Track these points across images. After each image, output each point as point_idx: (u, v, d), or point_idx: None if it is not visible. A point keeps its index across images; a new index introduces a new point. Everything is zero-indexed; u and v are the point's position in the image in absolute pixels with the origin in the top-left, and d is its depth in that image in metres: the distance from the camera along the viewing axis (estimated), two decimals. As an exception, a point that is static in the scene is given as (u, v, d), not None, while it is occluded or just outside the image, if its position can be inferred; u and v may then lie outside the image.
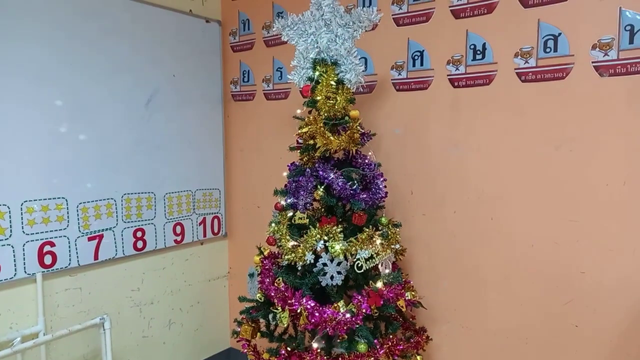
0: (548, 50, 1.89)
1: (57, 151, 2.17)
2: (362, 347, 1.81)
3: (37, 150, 2.11)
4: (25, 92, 2.06)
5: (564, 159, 1.90)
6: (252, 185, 2.97)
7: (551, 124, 1.92)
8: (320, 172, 1.97)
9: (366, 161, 2.07)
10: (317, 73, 1.97)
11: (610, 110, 1.79)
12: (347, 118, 1.99)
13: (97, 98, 2.31)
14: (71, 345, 2.28)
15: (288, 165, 2.13)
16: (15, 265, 2.05)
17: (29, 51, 2.06)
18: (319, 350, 1.89)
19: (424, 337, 2.08)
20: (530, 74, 1.94)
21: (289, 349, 1.92)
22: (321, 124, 1.93)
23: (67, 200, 2.22)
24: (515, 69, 1.98)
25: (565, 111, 1.88)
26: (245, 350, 2.06)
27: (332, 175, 1.96)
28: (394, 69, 2.31)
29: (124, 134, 2.44)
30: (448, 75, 2.15)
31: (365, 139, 2.08)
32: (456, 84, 2.13)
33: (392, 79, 2.32)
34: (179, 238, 2.77)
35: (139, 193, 2.53)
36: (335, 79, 1.96)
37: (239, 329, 2.10)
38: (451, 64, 2.14)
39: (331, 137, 1.93)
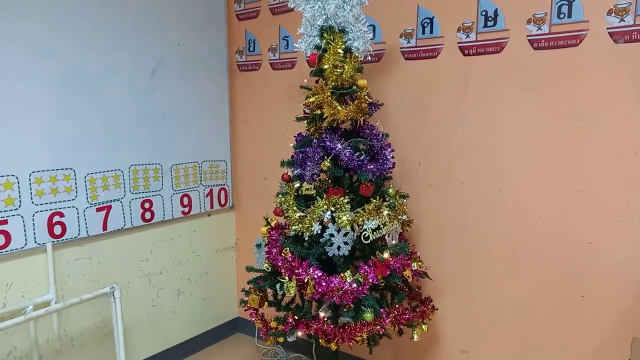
0: (562, 16, 1.84)
1: (62, 123, 2.17)
2: (368, 315, 1.83)
3: (43, 122, 2.10)
4: (30, 65, 2.04)
5: (575, 129, 1.87)
6: (258, 156, 2.96)
7: (562, 94, 1.88)
8: (328, 143, 1.96)
9: (374, 132, 2.05)
10: (324, 41, 1.94)
11: (625, 79, 1.75)
12: (354, 87, 1.96)
13: (101, 70, 2.28)
14: (82, 314, 2.32)
15: (295, 136, 2.11)
16: (25, 235, 2.08)
17: (32, 24, 2.03)
18: (325, 319, 1.91)
19: (429, 307, 2.10)
20: (543, 41, 1.89)
21: (296, 317, 1.94)
22: (328, 94, 1.90)
23: (74, 171, 2.22)
24: (527, 36, 1.92)
25: (578, 80, 1.84)
26: (253, 319, 2.09)
27: (339, 146, 1.94)
28: (403, 37, 2.26)
29: (129, 104, 2.42)
30: (458, 43, 2.10)
31: (373, 109, 2.05)
32: (466, 52, 2.08)
33: (400, 47, 2.27)
34: (186, 209, 2.78)
35: (145, 164, 2.53)
36: (343, 47, 1.92)
37: (247, 299, 2.13)
38: (462, 31, 2.08)
39: (338, 107, 1.91)
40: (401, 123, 2.31)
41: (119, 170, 2.41)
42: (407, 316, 1.95)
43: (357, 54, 1.95)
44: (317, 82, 2.03)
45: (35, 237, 2.11)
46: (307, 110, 2.05)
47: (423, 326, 2.03)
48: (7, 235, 2.02)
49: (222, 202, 3.01)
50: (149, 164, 2.55)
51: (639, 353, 1.41)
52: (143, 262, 2.60)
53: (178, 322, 2.82)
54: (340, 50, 1.92)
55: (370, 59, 2.33)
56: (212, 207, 2.94)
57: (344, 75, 1.91)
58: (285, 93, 2.75)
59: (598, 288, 1.88)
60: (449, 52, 2.13)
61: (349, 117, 1.94)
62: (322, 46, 1.96)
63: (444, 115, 2.19)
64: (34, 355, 2.11)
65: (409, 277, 1.94)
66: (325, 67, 1.93)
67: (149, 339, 2.66)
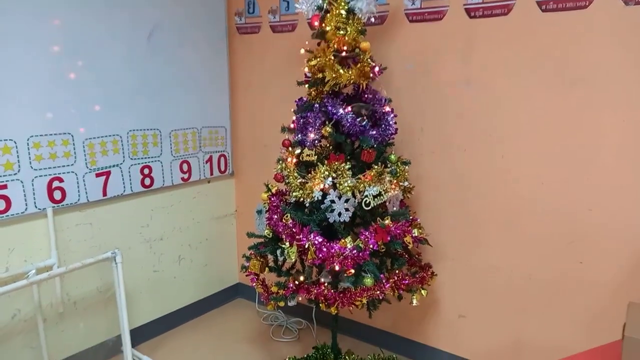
0: (573, -24, 1.77)
1: (59, 87, 2.13)
2: (368, 281, 1.84)
3: (40, 86, 2.06)
4: (26, 28, 1.99)
5: (581, 95, 1.83)
6: (258, 122, 2.93)
7: (570, 57, 1.84)
8: (329, 108, 1.92)
9: (376, 96, 2.01)
10: (326, 2, 1.88)
11: (634, 43, 1.70)
12: (357, 50, 1.92)
13: (96, 28, 2.22)
14: (85, 279, 2.34)
15: (296, 101, 2.08)
16: (25, 200, 2.07)
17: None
18: (326, 285, 1.92)
19: (429, 273, 2.11)
20: (552, 2, 1.83)
21: (296, 282, 1.96)
22: (330, 57, 1.86)
23: (72, 136, 2.20)
24: (536, -3, 1.87)
25: (586, 44, 1.80)
26: (254, 284, 2.11)
27: (341, 111, 1.91)
28: (407, -1, 2.19)
29: (126, 68, 2.37)
30: (464, 5, 2.04)
31: (375, 73, 2.01)
32: (472, 14, 2.02)
33: (405, 9, 2.21)
34: (186, 176, 2.77)
35: (144, 130, 2.50)
36: (346, 7, 1.86)
37: (248, 264, 2.14)
38: (468, -7, 2.02)
39: (341, 71, 1.87)
40: (404, 88, 2.27)
41: (118, 135, 2.38)
42: (406, 281, 1.96)
43: (360, 16, 1.90)
44: (318, 44, 1.98)
45: (35, 202, 2.10)
46: (308, 74, 2.00)
47: (422, 291, 2.04)
48: (7, 200, 2.01)
49: (222, 168, 2.99)
50: (148, 130, 2.52)
51: (634, 317, 1.42)
52: (144, 228, 2.60)
53: (179, 288, 2.85)
54: (342, 12, 1.86)
55: (373, 21, 2.25)
56: (211, 173, 2.93)
57: (346, 38, 1.87)
58: (286, 57, 2.69)
59: (597, 254, 1.89)
60: (454, 15, 2.07)
61: (351, 81, 1.91)
62: (324, 7, 1.90)
63: (448, 80, 2.15)
64: (38, 318, 2.14)
65: (409, 243, 1.94)
66: (328, 29, 1.89)
67: (151, 303, 2.70)
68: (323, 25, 1.90)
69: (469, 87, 2.09)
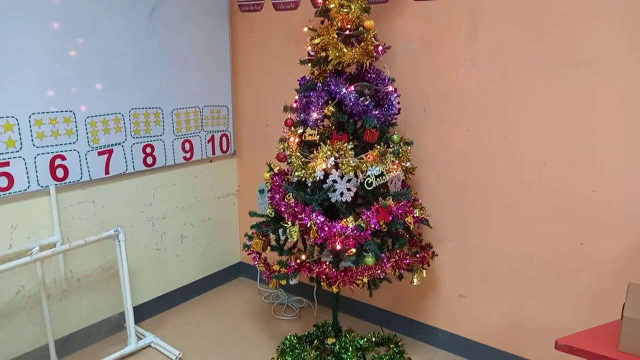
0: (582, -46, 1.74)
1: (60, 64, 2.11)
2: (369, 260, 1.86)
3: (41, 63, 2.05)
4: (25, 5, 1.96)
5: (586, 76, 1.82)
6: (260, 102, 2.91)
7: (577, 38, 1.81)
8: (332, 87, 1.91)
9: (380, 76, 2.00)
10: (330, -21, 1.85)
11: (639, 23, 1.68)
12: (361, 29, 1.90)
13: (97, 5, 2.20)
14: (88, 256, 2.36)
15: (298, 80, 2.06)
16: (28, 178, 2.07)
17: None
18: (327, 263, 1.94)
19: (429, 253, 2.12)
20: (560, -19, 1.80)
21: (298, 261, 1.97)
22: (334, 35, 1.84)
23: (74, 114, 2.19)
24: (543, -25, 1.83)
25: (592, 25, 1.77)
26: (256, 263, 2.13)
27: (344, 90, 1.90)
28: (412, -23, 2.15)
29: (126, 45, 2.35)
30: (470, -16, 2.01)
31: (379, 52, 1.99)
32: (478, -7, 1.99)
33: (409, -12, 2.17)
34: (188, 155, 2.76)
35: (146, 108, 2.49)
36: (350, -15, 1.83)
37: (250, 243, 2.16)
38: (474, -29, 1.98)
39: (344, 49, 1.85)
40: (408, 68, 2.25)
41: (120, 113, 2.37)
42: (407, 261, 1.98)
43: (364, -7, 1.87)
44: (322, 23, 1.96)
45: (38, 180, 2.11)
46: (311, 53, 1.98)
47: (423, 271, 2.06)
48: (10, 177, 2.02)
49: (224, 148, 2.99)
50: (150, 108, 2.51)
51: (633, 297, 1.44)
52: (146, 206, 2.61)
53: (182, 266, 2.88)
54: (346, -11, 1.84)
55: (377, -1, 2.24)
56: (213, 153, 2.93)
57: (350, 16, 1.84)
58: (289, 35, 2.66)
59: (598, 236, 1.90)
60: (460, -7, 2.04)
61: (354, 60, 1.89)
62: (328, -16, 1.87)
63: (452, 59, 2.13)
64: (42, 294, 2.16)
65: (410, 223, 1.95)
66: (331, 6, 1.86)
67: (154, 281, 2.73)
68: (326, 2, 1.88)
69: (473, 67, 2.07)
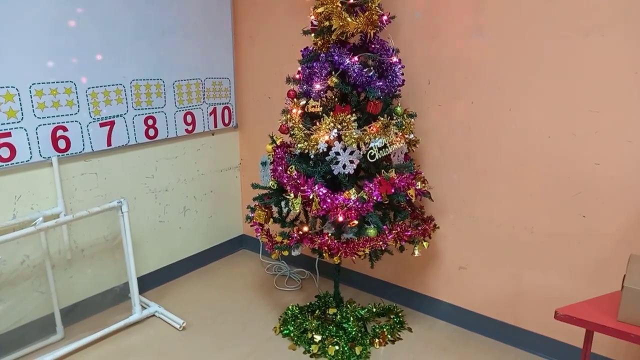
0: None
1: (59, 33, 2.08)
2: (371, 232, 1.87)
3: (40, 34, 2.02)
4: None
5: (594, 45, 1.79)
6: (262, 74, 2.88)
7: (584, 8, 1.78)
8: (336, 57, 1.89)
9: (384, 47, 1.97)
10: (334, -55, 1.80)
11: (654, -8, 1.64)
12: (365, -2, 1.86)
13: (96, -27, 2.16)
14: (92, 227, 2.38)
15: (301, 51, 2.04)
16: (30, 148, 2.07)
17: None
18: (329, 235, 1.95)
19: (431, 225, 2.14)
20: (570, -52, 1.76)
21: (300, 232, 1.98)
22: (338, 4, 1.81)
23: (75, 85, 2.17)
24: (553, -58, 1.78)
25: (603, -8, 1.73)
26: (259, 234, 2.14)
27: (347, 61, 1.88)
28: (418, -56, 2.10)
29: (127, 15, 2.31)
30: (478, -49, 1.96)
31: (383, 22, 1.95)
32: (486, -40, 1.95)
33: (415, -44, 2.12)
34: (190, 127, 2.75)
35: (147, 79, 2.47)
36: (354, -48, 1.79)
37: (253, 215, 2.17)
38: (482, -62, 1.93)
39: (348, 19, 1.82)
40: (412, 38, 2.22)
41: (121, 84, 2.35)
42: (409, 233, 1.99)
43: (369, -39, 1.83)
44: (325, -9, 1.92)
45: (40, 151, 2.10)
46: (314, 23, 1.95)
47: (424, 243, 2.07)
48: (12, 148, 2.01)
49: (226, 121, 2.97)
50: (151, 79, 2.49)
51: (634, 268, 1.45)
52: (149, 178, 2.62)
53: (185, 238, 2.90)
54: (351, -44, 1.79)
55: (382, -32, 2.18)
56: (215, 126, 2.91)
57: (354, -16, 1.81)
58: (291, 5, 2.61)
59: (601, 208, 1.90)
60: (467, -39, 2.00)
61: (358, 30, 1.86)
62: (332, -49, 1.83)
63: (457, 30, 2.09)
64: (46, 264, 2.19)
65: (412, 196, 1.95)
66: (335, -26, 1.82)
67: (157, 252, 2.75)
68: (330, -30, 1.84)
69: (480, 35, 2.04)
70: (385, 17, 1.91)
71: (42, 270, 2.21)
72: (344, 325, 2.20)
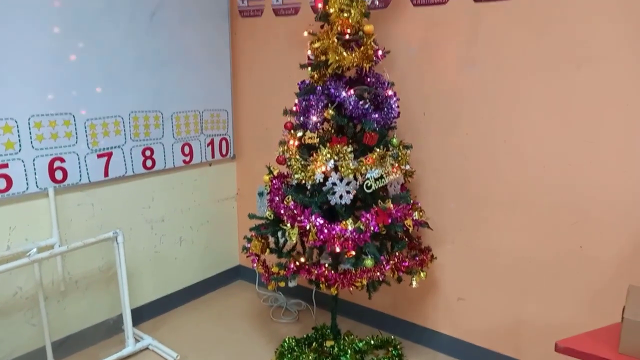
0: (580, -41, 1.76)
1: (60, 66, 2.12)
2: (369, 262, 1.86)
3: (40, 65, 2.05)
4: (26, 9, 1.97)
5: (585, 78, 1.83)
6: (260, 106, 2.92)
7: (575, 41, 1.83)
8: (332, 90, 1.92)
9: (379, 80, 2.01)
10: (330, -17, 1.86)
11: (640, 27, 1.70)
12: (360, 33, 1.91)
13: (97, 9, 2.21)
14: (86, 258, 2.35)
15: (298, 84, 2.07)
16: (27, 179, 2.07)
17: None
18: (326, 266, 1.94)
19: (428, 256, 2.13)
20: (558, -14, 1.82)
21: (297, 263, 1.97)
22: (334, 39, 1.85)
23: (74, 117, 2.19)
24: (542, -19, 1.85)
25: (592, 27, 1.79)
26: (255, 265, 2.13)
27: (343, 94, 1.91)
28: (412, -18, 2.17)
29: (127, 49, 2.36)
30: (469, -11, 2.02)
31: (379, 56, 2.00)
32: (477, -3, 2.01)
33: (409, -7, 2.19)
34: (187, 158, 2.77)
35: (146, 111, 2.49)
36: (350, -11, 1.85)
37: (249, 245, 2.16)
38: (473, -24, 2.00)
39: (344, 53, 1.86)
40: (407, 72, 2.26)
41: (119, 116, 2.38)
42: (406, 264, 1.98)
43: (364, -2, 1.88)
44: (322, 27, 1.97)
45: (36, 182, 2.11)
46: (311, 57, 1.99)
47: (422, 274, 2.06)
48: (9, 179, 2.02)
49: (224, 152, 2.99)
50: (150, 111, 2.52)
51: (634, 300, 1.44)
52: (145, 209, 2.61)
53: (180, 269, 2.87)
54: (346, -7, 1.85)
55: (377, 4, 2.25)
56: (213, 156, 2.93)
57: (350, 20, 1.85)
58: (289, 40, 2.67)
59: (598, 238, 1.91)
60: (459, -2, 2.06)
61: (354, 64, 1.90)
62: (328, -11, 1.89)
63: (451, 64, 2.14)
64: (39, 296, 2.16)
65: (410, 226, 1.95)
66: (331, 11, 1.88)
67: (152, 283, 2.72)
68: (327, 7, 1.89)
69: (472, 71, 2.08)
70: (380, 52, 1.96)
71: (35, 302, 2.17)
72: (341, 358, 2.16)
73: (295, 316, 2.80)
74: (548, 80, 1.91)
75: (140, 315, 2.65)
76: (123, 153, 2.43)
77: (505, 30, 1.98)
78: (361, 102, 1.91)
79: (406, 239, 2.16)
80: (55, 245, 2.19)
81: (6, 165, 2.00)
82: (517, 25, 1.94)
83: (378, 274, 1.90)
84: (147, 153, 2.54)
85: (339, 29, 1.87)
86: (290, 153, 1.97)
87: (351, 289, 1.90)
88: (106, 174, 2.36)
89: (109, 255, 2.42)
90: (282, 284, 2.00)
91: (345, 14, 1.85)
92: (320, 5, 1.94)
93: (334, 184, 1.88)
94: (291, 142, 1.99)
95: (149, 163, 2.56)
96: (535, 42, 1.92)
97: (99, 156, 2.32)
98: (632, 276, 1.85)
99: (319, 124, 1.98)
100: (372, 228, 1.84)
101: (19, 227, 2.11)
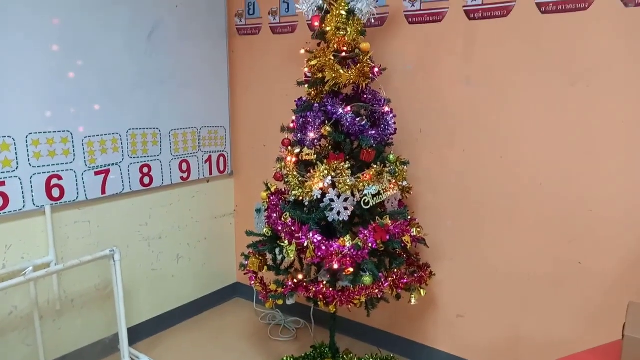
0: (572, -22, 1.79)
1: (59, 84, 2.13)
2: (367, 279, 1.85)
3: (39, 82, 2.06)
4: (25, 27, 1.99)
5: (580, 95, 1.85)
6: (258, 123, 2.93)
7: (569, 59, 1.85)
8: (329, 107, 1.93)
9: (376, 97, 2.02)
10: (327, 2, 1.89)
11: (634, 43, 1.72)
12: (357, 51, 1.93)
13: (96, 27, 2.23)
14: (83, 276, 2.33)
15: (296, 101, 2.09)
16: (23, 197, 2.06)
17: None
18: (325, 283, 1.93)
19: (427, 272, 2.12)
20: (551, 4, 1.85)
21: (295, 280, 1.96)
22: (330, 57, 1.87)
23: (72, 134, 2.20)
24: (535, -1, 1.88)
25: (586, 45, 1.81)
26: (253, 282, 2.11)
27: (340, 111, 1.92)
28: (407, 0, 2.20)
29: (125, 67, 2.37)
30: (464, 7, 2.05)
31: (375, 73, 2.02)
32: (472, 15, 2.04)
33: (404, 11, 2.22)
34: (185, 175, 2.77)
35: (144, 129, 2.50)
36: (346, 8, 1.87)
37: (247, 262, 2.14)
38: (468, -5, 2.03)
39: (341, 71, 1.87)
40: (403, 89, 2.28)
41: (117, 134, 2.38)
42: (405, 280, 1.97)
43: (360, 17, 1.91)
44: (318, 45, 1.99)
45: (33, 200, 2.10)
46: (308, 74, 2.01)
47: (421, 291, 2.05)
48: (5, 197, 2.01)
49: (221, 168, 3.00)
50: (148, 129, 2.52)
51: (634, 316, 1.43)
52: (142, 226, 2.60)
53: (177, 286, 2.85)
54: (343, 12, 1.88)
55: (373, 22, 2.28)
56: (211, 173, 2.93)
57: (346, 38, 1.88)
58: (286, 57, 2.70)
59: (596, 254, 1.90)
60: (454, 16, 2.09)
61: (351, 81, 1.92)
62: (325, 8, 1.91)
63: (447, 81, 2.16)
64: (34, 315, 2.13)
65: (408, 242, 1.95)
66: (328, 29, 1.90)
67: (149, 301, 2.70)
68: (323, 25, 1.92)
69: (468, 88, 2.10)
70: (376, 69, 1.98)
71: (30, 321, 2.15)
72: (340, 377, 2.13)
73: (293, 334, 2.77)
74: (543, 96, 1.93)
75: (137, 334, 2.62)
76: (121, 170, 2.42)
77: (499, 47, 2.00)
78: (358, 119, 1.92)
79: (404, 256, 2.15)
80: (51, 263, 2.17)
81: (3, 183, 2.00)
82: (512, 42, 1.96)
83: (377, 291, 1.88)
84: (145, 170, 2.54)
85: (335, 46, 1.89)
86: (288, 169, 1.98)
87: (350, 306, 1.88)
88: (103, 192, 2.36)
89: (105, 274, 2.40)
90: (280, 302, 1.98)
91: (342, 32, 1.88)
92: (317, 24, 1.96)
93: (331, 200, 1.88)
94: (289, 158, 2.00)
95: (146, 180, 2.56)
96: (529, 58, 1.94)
97: (97, 173, 2.32)
98: (631, 291, 1.84)
99: (316, 141, 1.99)
100: (370, 245, 1.83)
101: (15, 246, 2.09)
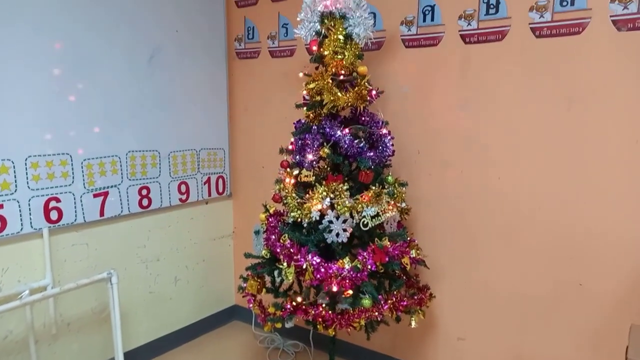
0: (565, 3, 1.83)
1: (59, 107, 2.14)
2: (366, 302, 1.83)
3: (40, 106, 2.08)
4: (27, 51, 2.01)
5: (576, 118, 1.87)
6: (256, 145, 2.95)
7: (565, 83, 1.88)
8: (327, 129, 1.95)
9: (374, 119, 2.04)
10: (324, 27, 1.92)
11: (627, 67, 1.74)
12: (355, 74, 1.96)
13: (97, 51, 2.26)
14: (79, 299, 2.31)
15: (294, 123, 2.10)
16: (21, 220, 2.06)
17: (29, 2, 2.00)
18: (324, 306, 1.91)
19: (427, 294, 2.10)
20: (545, 29, 1.88)
21: (294, 303, 1.94)
22: (328, 80, 1.89)
23: (71, 157, 2.20)
24: (529, 23, 1.92)
25: (580, 69, 1.84)
26: (251, 305, 2.09)
27: (339, 133, 1.94)
28: (404, 25, 2.24)
29: (126, 90, 2.40)
30: (459, 31, 2.09)
31: (372, 96, 2.04)
32: (467, 40, 2.07)
33: (401, 35, 2.26)
34: (183, 197, 2.77)
35: (143, 151, 2.51)
36: (344, 33, 1.91)
37: (245, 285, 2.13)
38: (463, 19, 2.07)
39: (339, 94, 1.90)
40: (401, 111, 2.30)
41: (116, 156, 2.39)
42: (405, 303, 1.96)
43: (357, 41, 1.94)
44: (317, 68, 2.02)
45: (31, 222, 2.09)
46: (306, 97, 2.03)
47: (420, 313, 2.03)
48: (3, 220, 2.00)
49: (220, 190, 3.00)
50: (147, 151, 2.53)
51: (637, 340, 1.42)
52: (140, 248, 2.59)
53: (175, 309, 2.82)
54: (340, 37, 1.91)
55: (370, 46, 2.32)
56: (209, 195, 2.93)
57: (344, 62, 1.90)
58: (285, 81, 2.73)
59: (597, 276, 1.89)
60: (450, 40, 2.12)
61: (348, 104, 1.94)
62: (323, 32, 1.94)
63: (444, 103, 2.18)
64: (30, 339, 2.10)
65: (407, 264, 1.94)
66: (326, 53, 1.92)
67: (146, 325, 2.66)
68: (321, 49, 1.94)
69: (464, 109, 2.12)
70: (374, 92, 2.00)
71: (25, 346, 2.12)
72: (339, 402, 2.09)
73: (292, 358, 2.73)
74: (539, 118, 1.95)
75: (134, 358, 2.58)
76: (119, 192, 2.43)
77: (495, 70, 2.03)
78: (356, 141, 1.93)
79: (404, 277, 2.14)
80: (48, 286, 2.16)
81: (1, 206, 1.99)
82: (507, 66, 1.99)
83: (376, 313, 1.87)
84: (144, 192, 2.54)
85: (333, 70, 1.92)
86: (287, 191, 1.98)
87: (349, 329, 1.86)
88: (102, 214, 2.35)
89: (102, 297, 2.38)
90: (279, 325, 1.96)
91: (340, 56, 1.90)
92: (315, 48, 1.99)
93: (330, 221, 1.88)
94: (287, 180, 2.00)
95: (145, 202, 2.56)
96: (525, 81, 1.96)
97: (95, 196, 2.32)
98: (633, 312, 1.83)
99: (314, 162, 2.00)
100: (369, 267, 1.82)
101: (12, 269, 2.08)
